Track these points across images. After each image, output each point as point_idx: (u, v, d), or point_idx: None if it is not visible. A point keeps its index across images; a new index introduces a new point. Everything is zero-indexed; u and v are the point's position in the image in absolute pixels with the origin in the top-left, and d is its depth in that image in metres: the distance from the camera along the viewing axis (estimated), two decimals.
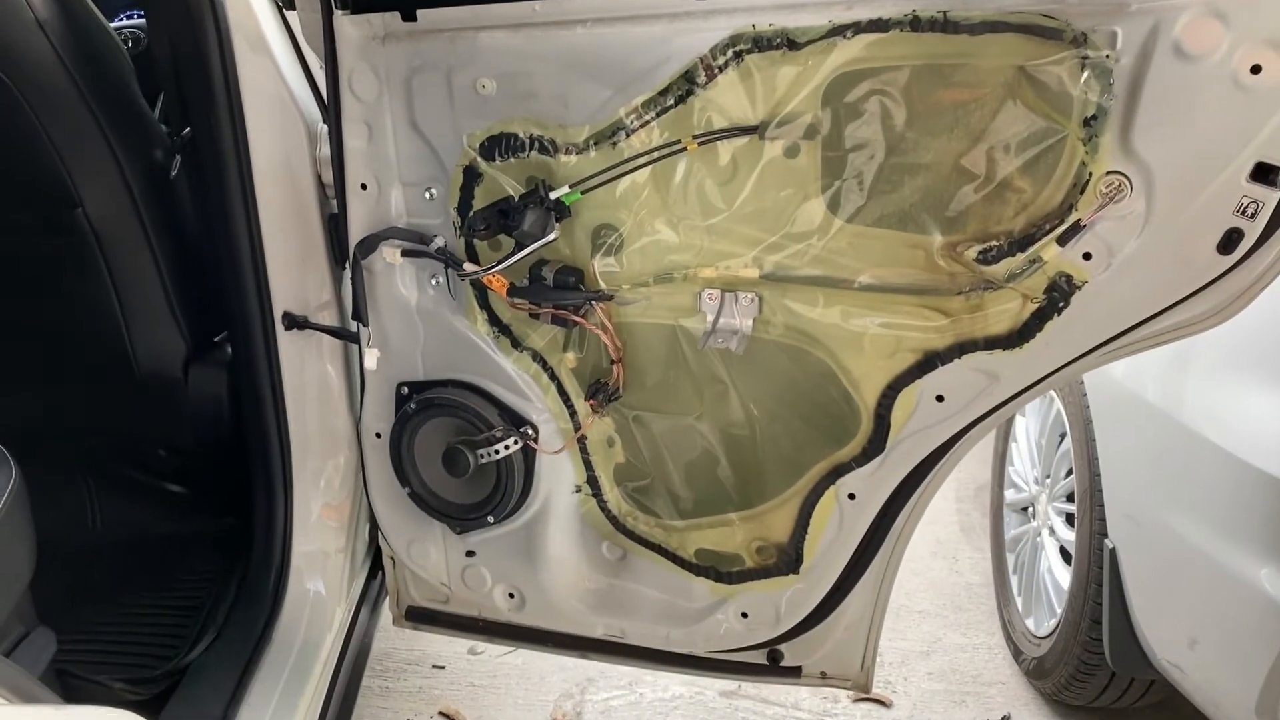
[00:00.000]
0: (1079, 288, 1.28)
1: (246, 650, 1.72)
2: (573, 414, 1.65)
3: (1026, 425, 2.85)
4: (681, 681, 2.50)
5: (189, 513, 2.18)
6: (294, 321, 1.77)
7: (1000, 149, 1.24)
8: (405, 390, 1.70)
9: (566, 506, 1.72)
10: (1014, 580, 2.80)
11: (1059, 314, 1.30)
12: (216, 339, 2.05)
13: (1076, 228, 1.24)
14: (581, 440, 1.68)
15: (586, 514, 1.73)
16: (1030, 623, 2.62)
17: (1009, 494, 2.90)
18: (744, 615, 1.72)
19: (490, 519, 1.73)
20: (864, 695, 2.54)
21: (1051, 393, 2.58)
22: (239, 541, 1.97)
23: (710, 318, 1.51)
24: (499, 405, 1.65)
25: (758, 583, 1.68)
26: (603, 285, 1.53)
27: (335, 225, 1.77)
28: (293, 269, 1.71)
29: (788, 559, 1.66)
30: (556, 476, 1.69)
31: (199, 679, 1.65)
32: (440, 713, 2.42)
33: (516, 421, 1.64)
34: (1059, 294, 1.29)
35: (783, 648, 1.79)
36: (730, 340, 1.54)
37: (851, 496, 1.53)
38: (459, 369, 1.66)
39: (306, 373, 1.78)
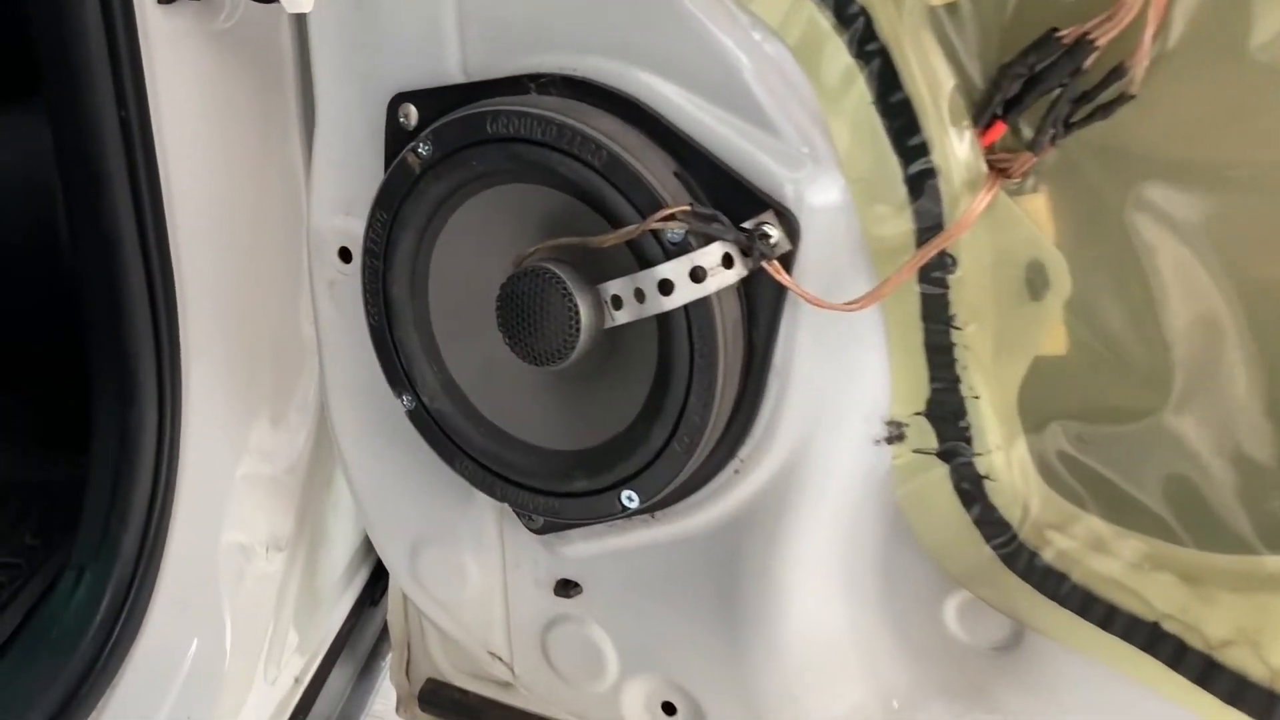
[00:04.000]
0: None
1: None
2: (921, 180, 0.57)
3: None
4: None
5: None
6: None
7: None
8: (410, 114, 0.68)
9: (849, 476, 0.67)
10: None
11: None
12: None
13: None
14: (940, 268, 0.57)
15: (912, 499, 0.65)
16: None
17: None
18: None
19: (630, 498, 0.64)
20: None
21: None
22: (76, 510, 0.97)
23: None
24: (682, 149, 0.59)
25: None
26: None
27: None
28: None
29: None
30: (832, 378, 0.63)
31: None
32: None
33: (733, 202, 0.58)
34: None
35: None
36: None
37: None
38: (568, 38, 0.63)
39: (211, 106, 0.85)
